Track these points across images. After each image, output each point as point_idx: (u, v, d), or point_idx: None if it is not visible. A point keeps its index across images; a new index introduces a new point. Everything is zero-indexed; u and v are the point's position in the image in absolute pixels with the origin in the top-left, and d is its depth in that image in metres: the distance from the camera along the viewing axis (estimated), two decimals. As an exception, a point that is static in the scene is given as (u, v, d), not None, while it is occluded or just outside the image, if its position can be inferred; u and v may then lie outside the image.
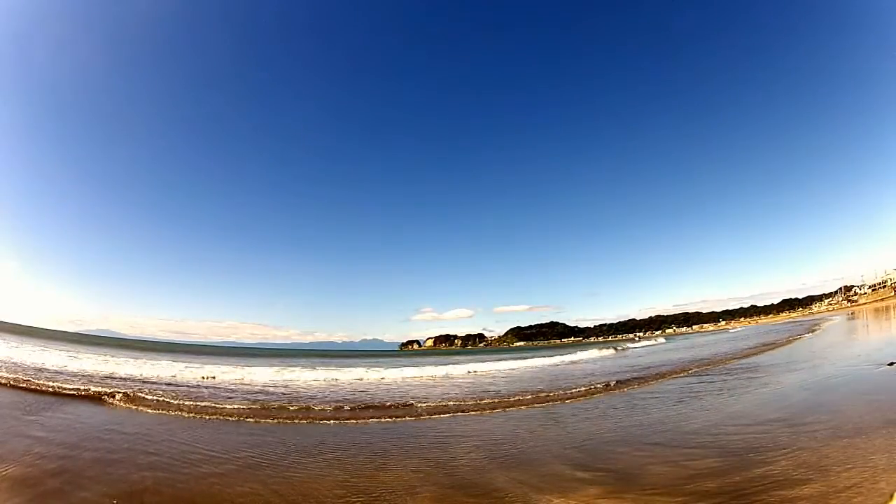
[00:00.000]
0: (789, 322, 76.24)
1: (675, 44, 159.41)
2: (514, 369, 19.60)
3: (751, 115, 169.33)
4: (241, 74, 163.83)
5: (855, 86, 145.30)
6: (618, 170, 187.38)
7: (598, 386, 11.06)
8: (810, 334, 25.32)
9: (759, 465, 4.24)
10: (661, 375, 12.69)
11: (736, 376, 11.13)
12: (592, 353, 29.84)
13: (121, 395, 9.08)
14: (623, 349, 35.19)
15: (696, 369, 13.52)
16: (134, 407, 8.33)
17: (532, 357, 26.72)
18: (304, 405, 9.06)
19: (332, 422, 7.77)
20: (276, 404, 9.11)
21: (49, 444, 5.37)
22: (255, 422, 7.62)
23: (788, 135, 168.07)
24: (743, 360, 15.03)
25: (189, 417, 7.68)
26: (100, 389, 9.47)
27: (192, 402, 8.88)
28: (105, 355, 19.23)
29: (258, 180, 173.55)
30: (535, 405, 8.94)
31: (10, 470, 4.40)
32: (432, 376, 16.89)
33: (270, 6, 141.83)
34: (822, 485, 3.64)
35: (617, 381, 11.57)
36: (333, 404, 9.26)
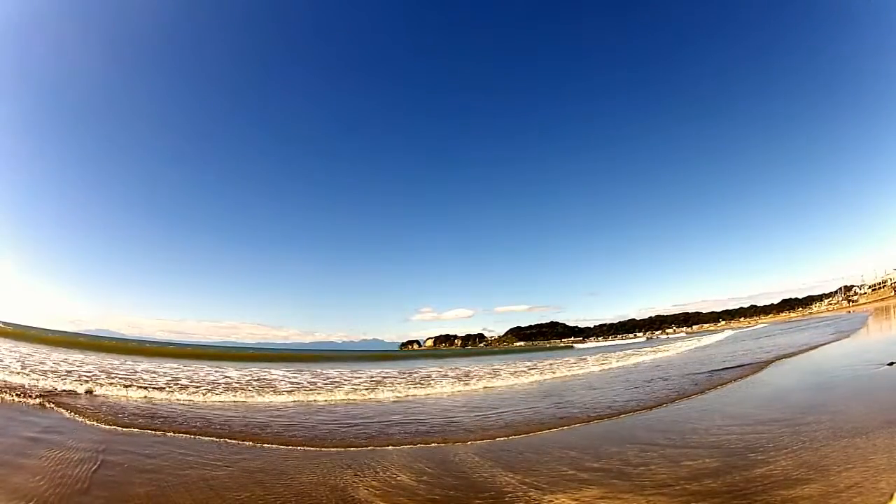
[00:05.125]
0: (792, 321, 76.21)
1: (675, 44, 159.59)
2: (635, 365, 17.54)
3: (751, 115, 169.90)
4: (242, 75, 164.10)
5: (855, 86, 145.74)
6: (617, 170, 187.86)
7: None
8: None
9: (760, 465, 4.25)
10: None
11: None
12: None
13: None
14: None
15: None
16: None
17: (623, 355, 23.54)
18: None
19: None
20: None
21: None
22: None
23: (788, 135, 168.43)
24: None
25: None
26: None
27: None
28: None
29: (258, 181, 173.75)
30: None
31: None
32: (586, 373, 15.20)
33: (271, 7, 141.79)
34: (822, 484, 3.66)
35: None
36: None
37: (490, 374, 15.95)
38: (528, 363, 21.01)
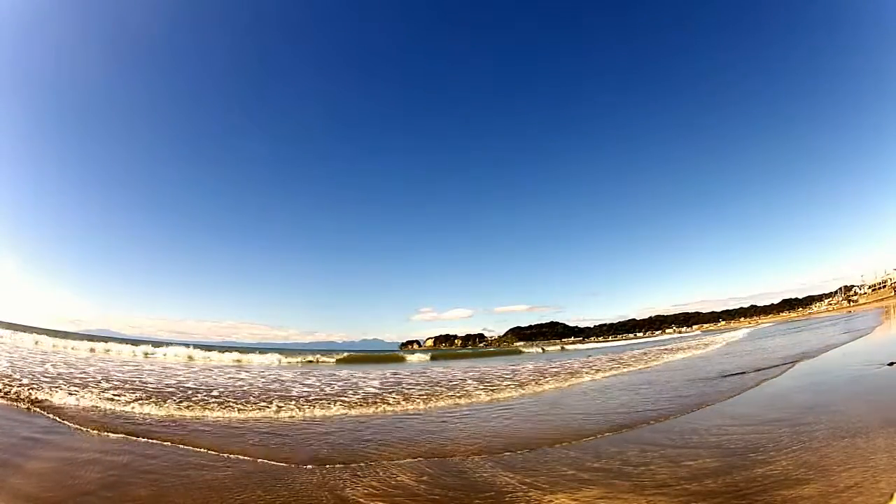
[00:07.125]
0: (794, 321, 76.15)
1: (674, 42, 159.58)
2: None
3: (750, 114, 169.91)
4: (241, 73, 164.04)
5: (855, 85, 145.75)
6: (617, 169, 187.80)
7: None
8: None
9: (760, 465, 4.26)
10: None
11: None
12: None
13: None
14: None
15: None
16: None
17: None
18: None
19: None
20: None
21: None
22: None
23: (788, 134, 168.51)
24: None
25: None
26: None
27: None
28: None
29: (258, 180, 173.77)
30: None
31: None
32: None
33: (270, 5, 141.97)
34: (822, 484, 3.66)
35: None
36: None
37: (508, 374, 15.23)
38: (552, 364, 20.01)
